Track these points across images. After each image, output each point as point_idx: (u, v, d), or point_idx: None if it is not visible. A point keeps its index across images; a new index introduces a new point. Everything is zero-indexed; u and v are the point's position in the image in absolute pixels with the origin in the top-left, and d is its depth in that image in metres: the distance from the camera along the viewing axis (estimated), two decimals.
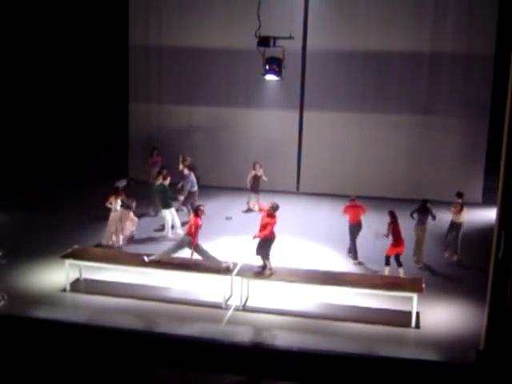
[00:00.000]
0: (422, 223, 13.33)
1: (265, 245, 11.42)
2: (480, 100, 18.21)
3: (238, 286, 11.25)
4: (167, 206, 14.73)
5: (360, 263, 13.33)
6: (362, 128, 19.10)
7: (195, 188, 15.87)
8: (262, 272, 11.41)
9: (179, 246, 11.88)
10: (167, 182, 14.83)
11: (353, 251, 13.52)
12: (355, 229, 13.45)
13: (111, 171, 17.85)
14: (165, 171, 15.10)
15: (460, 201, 13.58)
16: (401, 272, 12.30)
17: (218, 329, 10.42)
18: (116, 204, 14.02)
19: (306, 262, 12.94)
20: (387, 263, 12.48)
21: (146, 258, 11.73)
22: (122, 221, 14.08)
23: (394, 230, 12.37)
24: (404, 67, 18.58)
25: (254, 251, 11.49)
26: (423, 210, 13.34)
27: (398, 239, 12.38)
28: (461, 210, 13.55)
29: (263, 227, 11.37)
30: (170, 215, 14.73)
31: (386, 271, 12.46)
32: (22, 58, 20.18)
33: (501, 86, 10.44)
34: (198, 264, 11.71)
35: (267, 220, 11.38)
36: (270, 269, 11.44)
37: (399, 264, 12.39)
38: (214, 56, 19.33)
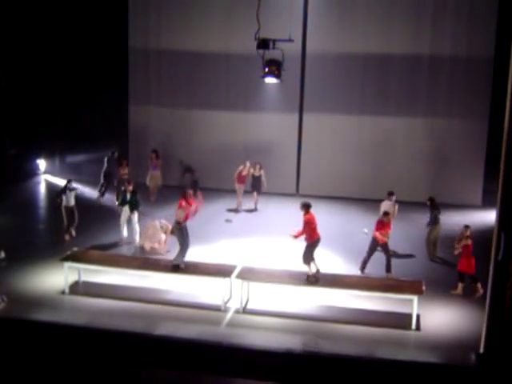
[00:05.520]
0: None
1: (306, 249, 11.38)
2: (480, 102, 18.22)
3: (238, 289, 11.21)
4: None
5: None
6: (362, 130, 19.11)
7: None
8: (306, 279, 11.23)
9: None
10: None
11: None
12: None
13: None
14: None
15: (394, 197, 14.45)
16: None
17: (218, 331, 10.40)
18: None
19: None
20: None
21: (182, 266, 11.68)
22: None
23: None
24: (404, 69, 18.60)
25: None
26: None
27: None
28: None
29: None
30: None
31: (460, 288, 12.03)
32: (22, 59, 20.19)
33: (501, 87, 10.40)
34: (197, 266, 11.70)
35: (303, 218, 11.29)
36: (314, 275, 11.20)
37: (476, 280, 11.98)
38: (213, 58, 19.35)
